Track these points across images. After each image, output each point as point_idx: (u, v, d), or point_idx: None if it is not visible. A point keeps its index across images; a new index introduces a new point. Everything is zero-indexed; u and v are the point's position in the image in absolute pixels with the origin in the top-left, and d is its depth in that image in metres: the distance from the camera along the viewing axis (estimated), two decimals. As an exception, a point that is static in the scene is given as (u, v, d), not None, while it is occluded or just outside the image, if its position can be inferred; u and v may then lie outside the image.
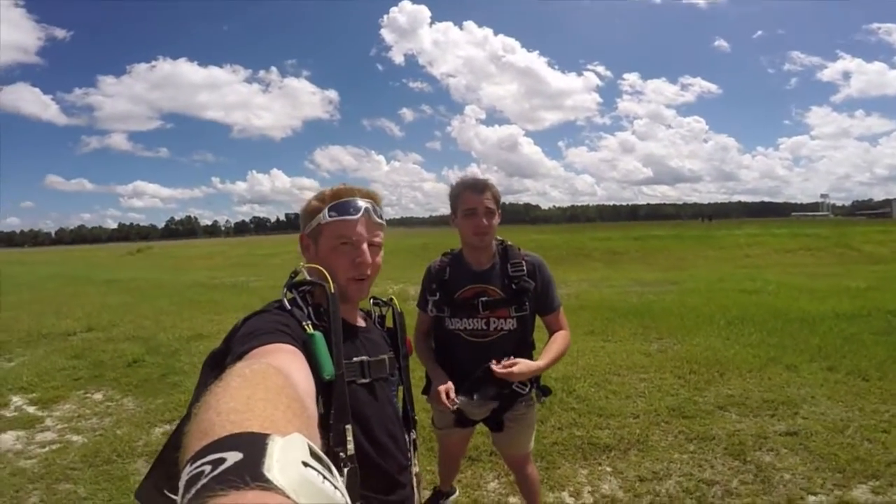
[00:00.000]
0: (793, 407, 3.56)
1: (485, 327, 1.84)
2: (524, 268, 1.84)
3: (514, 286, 1.82)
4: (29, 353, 6.01)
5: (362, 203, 1.05)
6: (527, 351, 1.89)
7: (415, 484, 1.17)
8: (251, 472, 0.29)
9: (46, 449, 3.35)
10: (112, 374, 5.02)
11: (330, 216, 1.04)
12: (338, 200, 1.05)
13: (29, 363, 5.54)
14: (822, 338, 5.28)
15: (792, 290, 8.65)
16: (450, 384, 1.72)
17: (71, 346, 6.26)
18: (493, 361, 1.71)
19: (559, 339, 1.87)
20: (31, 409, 4.11)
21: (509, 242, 1.92)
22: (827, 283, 9.45)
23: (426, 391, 2.04)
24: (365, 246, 1.05)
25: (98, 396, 4.41)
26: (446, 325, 1.88)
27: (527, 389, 1.90)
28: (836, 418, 3.35)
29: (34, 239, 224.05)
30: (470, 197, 1.81)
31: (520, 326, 1.84)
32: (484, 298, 1.82)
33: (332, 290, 0.95)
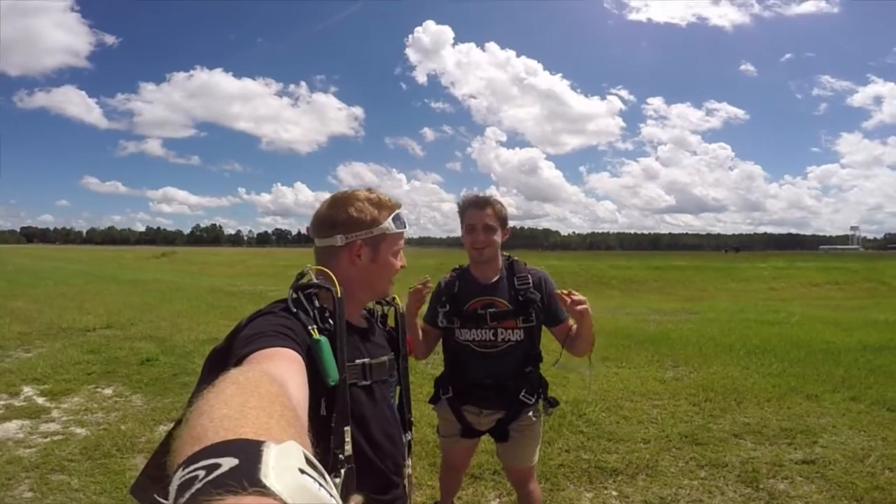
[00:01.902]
0: (812, 436, 3.44)
1: (493, 338, 1.87)
2: (530, 281, 1.88)
3: (520, 298, 1.86)
4: (47, 346, 6.16)
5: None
6: (534, 362, 1.92)
7: (407, 485, 1.17)
8: (248, 478, 0.29)
9: (48, 439, 3.39)
10: (125, 370, 5.10)
11: (396, 227, 1.10)
12: (394, 212, 1.11)
13: (46, 355, 5.67)
14: (847, 369, 5.11)
15: (816, 322, 8.39)
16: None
17: (88, 342, 6.41)
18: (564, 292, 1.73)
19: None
20: (41, 400, 4.18)
21: (515, 258, 1.97)
22: (854, 316, 9.17)
23: (434, 400, 2.04)
24: None
25: (108, 392, 4.48)
26: (456, 337, 1.92)
27: (533, 400, 1.91)
28: (856, 447, 3.24)
29: (66, 237, 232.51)
30: (471, 213, 1.90)
31: (527, 337, 1.87)
32: (492, 310, 1.86)
33: (340, 294, 0.97)
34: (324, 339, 0.89)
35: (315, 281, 1.02)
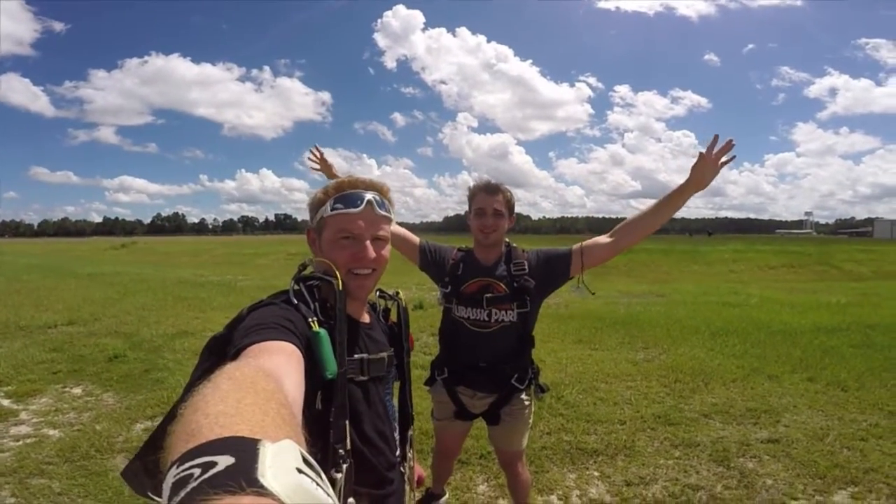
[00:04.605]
0: (775, 415, 3.64)
1: (486, 318, 1.92)
2: (526, 267, 1.94)
3: (515, 284, 1.91)
4: (6, 346, 5.85)
5: (366, 195, 1.02)
6: (527, 345, 1.98)
7: (406, 479, 1.18)
8: (245, 477, 0.29)
9: (21, 443, 3.26)
10: (92, 368, 4.91)
11: (333, 209, 1.01)
12: (341, 192, 1.02)
13: (5, 355, 5.39)
14: (804, 350, 5.41)
15: (774, 304, 8.83)
16: None
17: (50, 340, 6.12)
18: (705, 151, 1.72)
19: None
20: (6, 402, 4.00)
21: (514, 245, 2.03)
22: (808, 298, 9.69)
23: (429, 382, 2.09)
24: (368, 241, 1.02)
25: (77, 391, 4.31)
26: (453, 313, 1.98)
27: (524, 385, 1.97)
28: (816, 427, 3.44)
29: (15, 230, 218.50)
30: (481, 197, 1.96)
31: (520, 321, 1.93)
32: (489, 295, 1.92)
33: (341, 287, 0.95)
34: (323, 332, 0.88)
35: (317, 273, 1.01)
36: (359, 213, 1.01)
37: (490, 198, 1.94)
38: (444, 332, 2.06)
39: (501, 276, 1.94)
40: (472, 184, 2.06)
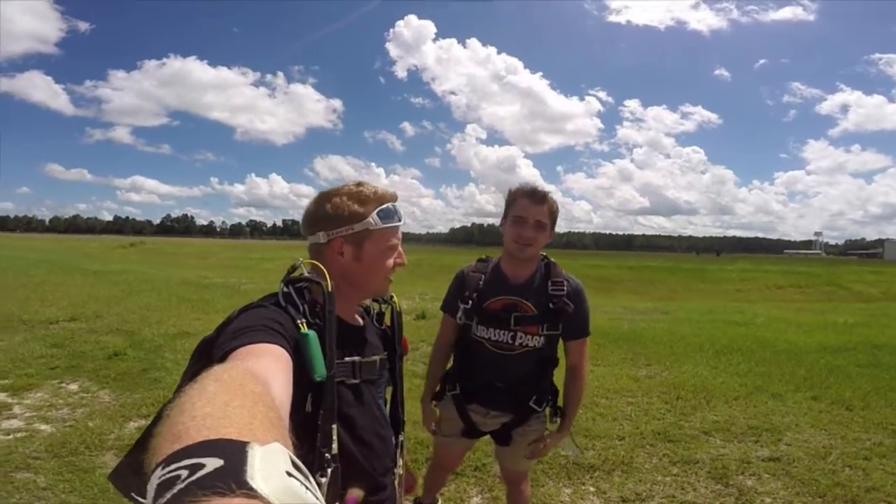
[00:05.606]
0: (777, 434, 3.59)
1: (510, 341, 1.78)
2: (565, 288, 1.77)
3: (551, 305, 1.75)
4: (6, 339, 5.87)
5: (399, 209, 1.10)
6: (548, 369, 1.86)
7: (396, 485, 1.16)
8: (234, 479, 0.29)
9: (10, 437, 3.24)
10: (91, 365, 4.91)
11: (383, 223, 1.06)
12: (383, 206, 1.07)
13: (6, 349, 5.41)
14: (808, 369, 5.34)
15: (780, 324, 8.73)
16: None
17: (51, 335, 6.14)
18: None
19: (578, 386, 1.90)
20: (1, 396, 3.99)
21: (553, 259, 1.85)
22: (815, 318, 9.59)
23: (437, 397, 1.98)
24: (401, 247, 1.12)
25: (73, 387, 4.31)
26: (473, 332, 1.83)
27: (542, 408, 1.88)
28: (818, 445, 3.39)
29: (27, 225, 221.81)
30: (524, 205, 1.75)
31: (546, 345, 1.80)
32: (516, 314, 1.76)
33: (330, 289, 0.95)
34: (312, 334, 0.87)
35: (306, 275, 1.00)
36: (400, 225, 1.11)
37: (535, 207, 1.72)
38: (459, 347, 1.90)
39: (533, 294, 1.77)
40: (514, 187, 1.81)
